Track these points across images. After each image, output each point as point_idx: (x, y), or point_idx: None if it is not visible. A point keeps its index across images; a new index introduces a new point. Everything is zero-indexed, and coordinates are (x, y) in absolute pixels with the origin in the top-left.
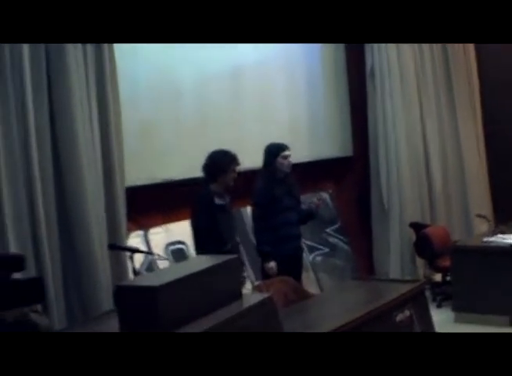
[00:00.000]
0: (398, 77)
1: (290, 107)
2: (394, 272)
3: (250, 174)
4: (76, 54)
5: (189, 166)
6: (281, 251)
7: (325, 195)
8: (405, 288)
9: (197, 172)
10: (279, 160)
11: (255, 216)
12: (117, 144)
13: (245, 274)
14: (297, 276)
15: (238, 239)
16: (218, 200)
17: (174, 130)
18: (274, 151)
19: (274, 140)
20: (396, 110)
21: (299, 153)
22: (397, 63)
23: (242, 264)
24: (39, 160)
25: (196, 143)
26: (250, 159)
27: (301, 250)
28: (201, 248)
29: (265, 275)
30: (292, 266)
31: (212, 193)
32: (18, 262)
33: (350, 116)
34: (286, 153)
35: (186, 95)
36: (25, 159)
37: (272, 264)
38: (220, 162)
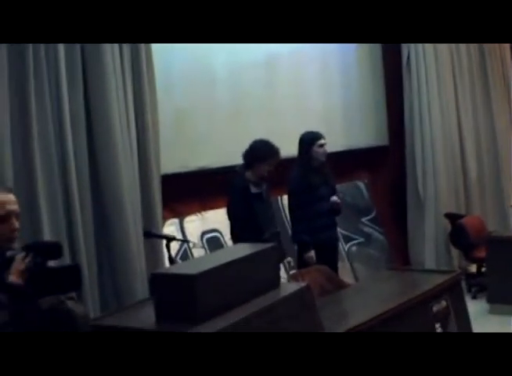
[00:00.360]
0: (433, 66)
1: (325, 96)
2: (429, 262)
3: (286, 163)
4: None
5: (223, 154)
6: (317, 241)
7: (360, 184)
8: (440, 279)
9: (231, 161)
10: (315, 148)
11: (291, 205)
12: (153, 133)
13: (291, 261)
14: (333, 266)
15: (278, 228)
16: (253, 189)
17: (209, 119)
18: (309, 140)
19: (309, 129)
20: (432, 100)
21: (334, 142)
22: (433, 53)
23: (283, 253)
24: (74, 149)
25: (230, 132)
26: (285, 148)
27: (336, 239)
28: (237, 237)
29: (301, 264)
30: (328, 256)
31: (247, 182)
32: (54, 250)
33: (385, 105)
34: (322, 141)
35: (221, 83)
36: (60, 148)
37: (312, 253)
38: (258, 151)
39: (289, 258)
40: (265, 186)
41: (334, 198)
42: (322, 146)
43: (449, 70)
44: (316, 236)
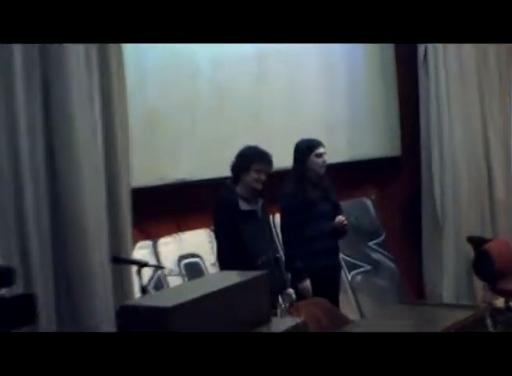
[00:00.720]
0: (456, 65)
1: (326, 97)
2: (448, 295)
3: (279, 175)
4: None
5: (206, 164)
6: (314, 268)
7: (367, 202)
8: (461, 315)
9: (216, 172)
10: (312, 158)
11: (283, 225)
12: (123, 139)
13: (292, 293)
14: (334, 298)
15: (278, 253)
16: (244, 205)
17: (189, 122)
18: (305, 148)
19: (306, 136)
20: (453, 104)
21: (336, 151)
22: (454, 53)
23: (283, 283)
24: (29, 160)
25: (215, 138)
26: (278, 157)
27: (338, 267)
28: (223, 263)
29: (296, 295)
30: (328, 286)
31: (237, 197)
32: (6, 276)
33: (398, 109)
34: (320, 150)
35: (203, 80)
36: (13, 160)
37: (307, 283)
38: (242, 158)
39: (290, 290)
40: (260, 202)
41: (340, 218)
42: (320, 155)
43: (474, 68)
44: (313, 263)
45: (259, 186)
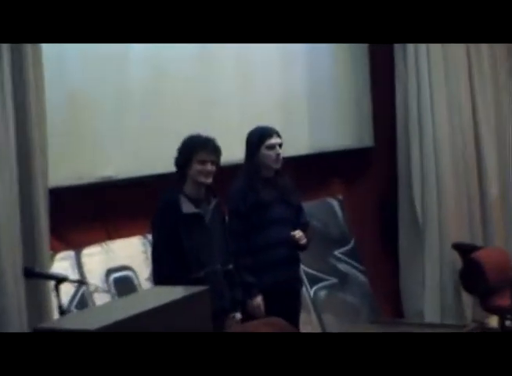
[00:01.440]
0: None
1: (284, 78)
2: (430, 312)
3: (228, 170)
4: None
5: (138, 159)
6: (269, 282)
7: (333, 203)
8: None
9: (151, 168)
10: (263, 151)
11: (232, 230)
12: (39, 130)
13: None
14: (292, 318)
15: (230, 265)
16: (188, 207)
17: (118, 108)
18: (256, 139)
19: (260, 123)
20: (436, 85)
21: (296, 142)
22: None
23: (236, 302)
24: None
25: (149, 127)
26: (227, 150)
27: (298, 280)
28: (158, 276)
29: (245, 315)
30: (285, 303)
31: (178, 197)
32: None
33: (370, 91)
34: (273, 141)
35: (135, 60)
36: None
37: (259, 300)
38: (183, 150)
39: (237, 315)
40: (214, 202)
41: (296, 233)
42: (272, 147)
43: (463, 53)
44: (268, 276)
45: (206, 180)
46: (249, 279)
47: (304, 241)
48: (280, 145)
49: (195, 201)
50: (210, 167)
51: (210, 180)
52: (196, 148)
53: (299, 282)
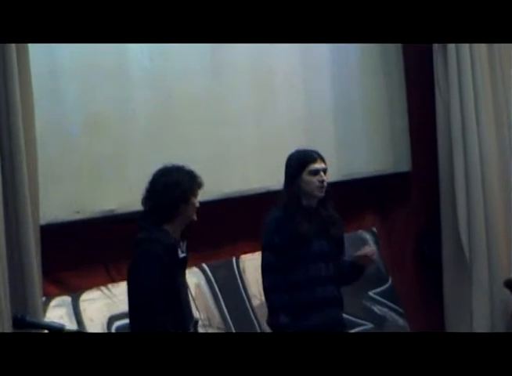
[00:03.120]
0: (485, 52)
1: (307, 92)
2: None
3: (250, 200)
4: None
5: (140, 191)
6: (307, 325)
7: (366, 236)
8: None
9: None
10: (305, 177)
11: (265, 266)
12: (29, 159)
13: None
14: None
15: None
16: (179, 252)
17: (120, 135)
18: (296, 163)
19: (279, 147)
20: (481, 104)
21: None
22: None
23: None
24: None
25: (155, 157)
26: (241, 178)
27: (341, 324)
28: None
29: None
30: None
31: (172, 240)
32: None
33: (407, 111)
34: (317, 166)
35: (140, 80)
36: None
37: None
38: (181, 187)
39: None
40: (184, 243)
41: (371, 248)
42: (316, 172)
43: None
44: (307, 318)
45: (196, 217)
46: (283, 320)
47: (375, 256)
48: (324, 170)
49: (179, 244)
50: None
51: None
52: (194, 184)
53: (342, 325)
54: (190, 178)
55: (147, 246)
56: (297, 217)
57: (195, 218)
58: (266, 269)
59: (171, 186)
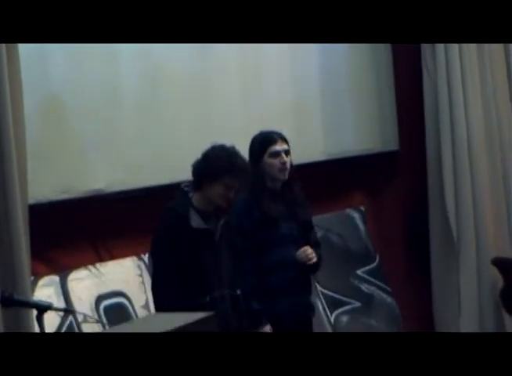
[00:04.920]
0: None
1: (295, 75)
2: None
3: None
4: None
5: (131, 170)
6: (277, 310)
7: (354, 215)
8: None
9: (146, 179)
10: (267, 159)
11: (236, 249)
12: (16, 138)
13: None
14: None
15: (238, 291)
16: (197, 222)
17: (108, 114)
18: (258, 146)
19: (267, 127)
20: (468, 83)
21: (310, 147)
22: None
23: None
24: None
25: (143, 133)
26: None
27: (310, 308)
28: (160, 300)
29: None
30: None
31: (188, 209)
32: None
33: (394, 90)
34: (277, 147)
35: (125, 59)
36: None
37: (267, 330)
38: (212, 165)
39: None
40: (223, 220)
41: (304, 250)
42: (277, 154)
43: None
44: (275, 303)
45: (224, 204)
46: (255, 306)
47: (313, 260)
48: (286, 152)
49: (204, 215)
50: (232, 194)
51: (226, 205)
52: (229, 171)
53: (311, 309)
54: (227, 163)
55: (163, 214)
56: (263, 199)
57: (220, 203)
58: (236, 253)
59: (205, 159)
